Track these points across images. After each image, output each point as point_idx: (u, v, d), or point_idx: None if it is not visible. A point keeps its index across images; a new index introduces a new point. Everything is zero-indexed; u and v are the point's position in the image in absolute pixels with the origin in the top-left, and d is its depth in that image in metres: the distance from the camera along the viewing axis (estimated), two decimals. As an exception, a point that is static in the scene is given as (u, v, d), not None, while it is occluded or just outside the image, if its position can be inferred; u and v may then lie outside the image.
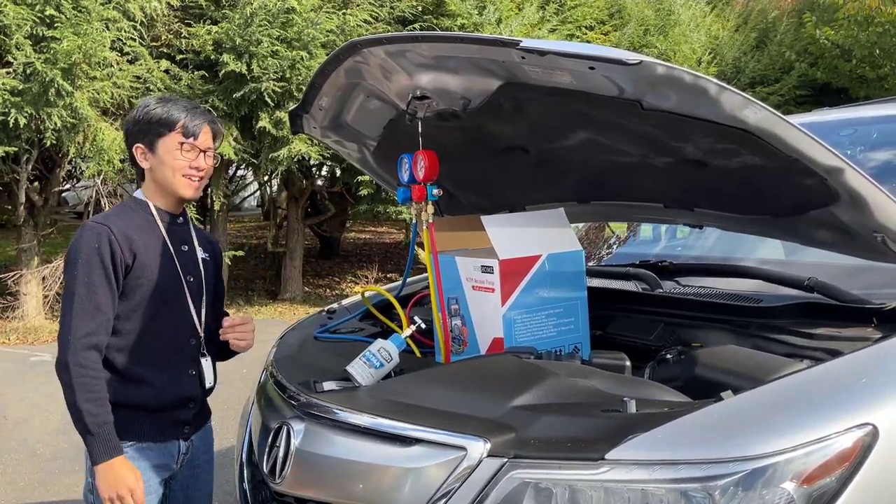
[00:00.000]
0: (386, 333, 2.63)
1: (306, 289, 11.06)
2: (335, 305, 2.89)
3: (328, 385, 1.97)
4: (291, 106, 8.85)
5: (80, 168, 8.18)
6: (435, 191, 2.03)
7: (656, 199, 2.15)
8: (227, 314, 2.40)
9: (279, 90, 8.32)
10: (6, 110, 6.91)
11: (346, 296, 11.02)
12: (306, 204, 11.56)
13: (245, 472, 2.19)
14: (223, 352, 2.30)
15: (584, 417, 1.53)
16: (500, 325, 2.03)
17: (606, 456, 1.38)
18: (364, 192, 9.24)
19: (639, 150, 1.88)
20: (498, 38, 1.60)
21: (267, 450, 1.89)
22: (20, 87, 6.96)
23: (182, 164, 2.10)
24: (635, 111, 1.68)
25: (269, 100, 8.31)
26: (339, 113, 2.46)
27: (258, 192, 16.20)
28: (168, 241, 2.15)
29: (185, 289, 2.16)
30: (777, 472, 1.32)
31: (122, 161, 7.80)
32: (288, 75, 8.37)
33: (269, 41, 8.11)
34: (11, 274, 8.39)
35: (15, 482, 4.31)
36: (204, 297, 2.21)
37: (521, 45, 1.55)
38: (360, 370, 1.95)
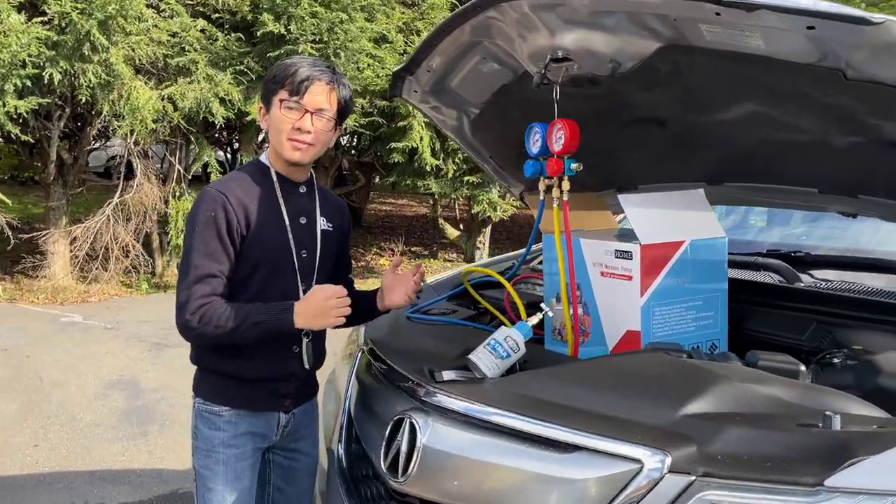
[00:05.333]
0: (481, 317, 2.45)
1: (332, 259, 10.86)
2: (421, 284, 2.69)
3: (447, 374, 1.78)
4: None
5: (113, 127, 7.96)
6: (574, 165, 1.82)
7: (811, 184, 1.94)
8: (353, 282, 2.22)
9: (316, 53, 8.07)
10: (41, 63, 6.70)
11: (372, 268, 10.86)
12: (335, 174, 11.36)
13: (342, 460, 2.01)
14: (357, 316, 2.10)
15: (779, 432, 1.33)
16: (636, 317, 1.83)
17: (826, 483, 1.19)
18: (396, 157, 8.99)
19: (820, 126, 1.66)
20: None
21: (384, 444, 1.70)
22: (55, 39, 6.75)
23: (285, 124, 1.91)
24: (833, 81, 1.47)
25: (305, 63, 8.08)
26: (445, 76, 2.25)
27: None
28: (285, 212, 1.96)
29: (296, 264, 1.97)
30: None
31: (154, 121, 7.62)
32: (325, 38, 8.13)
33: (309, 1, 7.85)
34: (42, 232, 8.23)
35: (57, 448, 4.16)
36: (316, 274, 2.02)
37: (727, -2, 1.33)
38: (485, 360, 1.76)
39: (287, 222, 1.97)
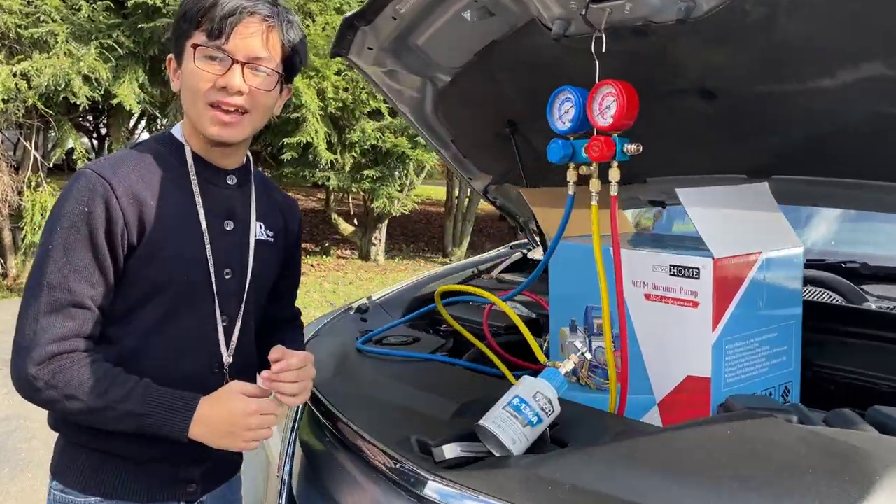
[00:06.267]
0: (459, 346, 1.89)
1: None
2: (366, 301, 2.10)
3: (450, 450, 1.22)
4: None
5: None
6: (630, 146, 1.28)
7: (900, 178, 1.50)
8: (297, 316, 1.62)
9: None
10: None
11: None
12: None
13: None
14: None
15: None
16: (704, 358, 1.33)
17: None
18: (288, 155, 8.23)
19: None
20: None
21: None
22: None
23: (202, 82, 1.28)
24: None
25: (186, 40, 7.18)
26: (413, 27, 1.67)
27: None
28: (202, 212, 1.34)
29: (215, 290, 1.35)
30: None
31: (5, 100, 6.55)
32: (210, 13, 7.27)
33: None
34: None
35: None
36: (244, 304, 1.40)
37: None
38: (507, 427, 1.20)
39: (204, 228, 1.35)
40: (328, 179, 8.84)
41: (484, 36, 1.64)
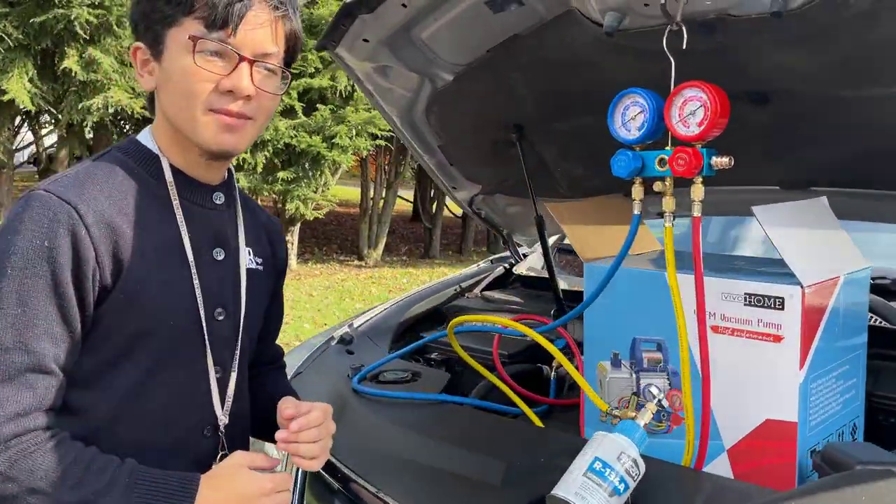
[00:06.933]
0: (455, 379, 1.67)
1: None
2: (348, 330, 1.85)
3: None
4: (108, 42, 7.23)
5: None
6: (720, 159, 1.10)
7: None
8: (280, 356, 1.38)
9: (94, 20, 6.65)
10: None
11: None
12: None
13: None
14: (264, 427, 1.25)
15: None
16: (788, 400, 1.17)
17: None
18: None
19: None
20: None
21: None
22: None
23: (202, 83, 1.02)
24: None
25: (80, 31, 6.61)
26: (419, 19, 1.44)
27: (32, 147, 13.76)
28: (187, 241, 1.07)
29: (206, 336, 1.08)
30: None
31: None
32: (107, 2, 6.72)
33: (86, -45, 6.45)
34: None
35: None
36: (238, 350, 1.14)
37: None
38: (593, 501, 1.00)
39: (191, 259, 1.08)
40: (238, 181, 8.38)
41: (503, 29, 1.43)
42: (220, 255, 1.13)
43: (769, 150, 1.49)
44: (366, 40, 1.49)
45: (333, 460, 1.30)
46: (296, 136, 8.05)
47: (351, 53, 1.55)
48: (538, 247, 2.38)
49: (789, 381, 1.16)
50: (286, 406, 1.11)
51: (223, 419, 1.14)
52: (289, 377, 1.63)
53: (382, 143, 8.59)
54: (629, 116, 1.15)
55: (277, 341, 1.41)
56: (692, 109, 1.08)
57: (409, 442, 1.34)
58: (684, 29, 1.10)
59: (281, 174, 8.17)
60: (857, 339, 1.31)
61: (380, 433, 1.38)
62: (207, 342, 1.10)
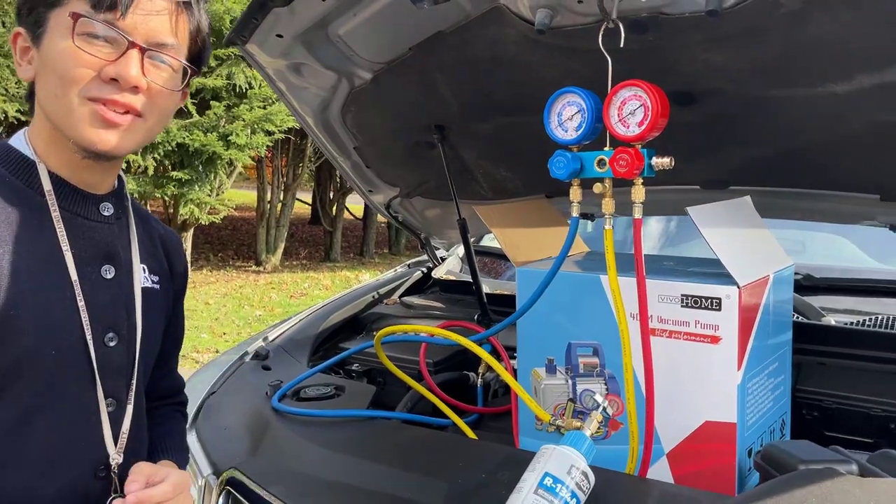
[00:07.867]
0: (379, 392, 1.59)
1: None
2: (262, 343, 1.74)
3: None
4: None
5: None
6: (661, 160, 1.07)
7: (875, 189, 1.44)
8: (181, 389, 1.25)
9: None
10: None
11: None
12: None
13: None
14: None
15: None
16: (726, 402, 1.16)
17: None
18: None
19: None
20: None
21: None
22: None
23: (79, 68, 0.91)
24: None
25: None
26: (338, 14, 1.36)
27: None
28: (69, 258, 0.96)
29: (94, 365, 0.97)
30: None
31: None
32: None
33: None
34: None
35: None
36: (135, 380, 1.03)
37: None
38: (546, 520, 0.95)
39: (75, 278, 0.96)
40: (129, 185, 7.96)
41: (426, 26, 1.37)
42: (109, 272, 1.01)
43: (695, 150, 1.49)
44: (279, 35, 1.40)
45: (254, 487, 1.20)
46: (189, 135, 7.71)
47: (262, 50, 1.45)
48: (455, 250, 2.34)
49: (727, 382, 1.16)
50: (134, 474, 0.97)
51: (116, 458, 1.01)
52: (202, 397, 1.52)
53: (281, 136, 8.30)
54: (566, 116, 1.11)
55: None
56: (632, 109, 1.06)
57: (337, 463, 1.26)
58: (622, 27, 1.07)
59: (174, 174, 7.81)
60: (784, 336, 1.32)
61: (305, 455, 1.29)
62: (97, 372, 0.98)
